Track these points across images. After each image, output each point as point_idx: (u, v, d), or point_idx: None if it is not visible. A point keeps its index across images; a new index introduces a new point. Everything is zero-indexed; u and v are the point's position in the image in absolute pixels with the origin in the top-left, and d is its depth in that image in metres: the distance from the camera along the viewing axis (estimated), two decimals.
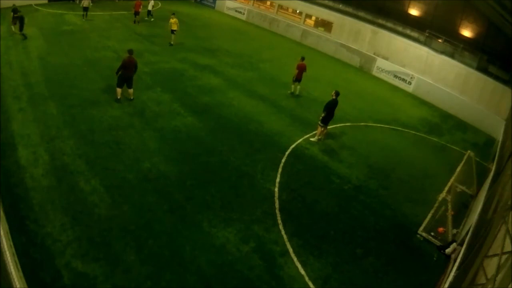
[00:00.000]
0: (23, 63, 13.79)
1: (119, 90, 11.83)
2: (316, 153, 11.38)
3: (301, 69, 14.92)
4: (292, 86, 15.49)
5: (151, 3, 23.74)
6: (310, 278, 6.87)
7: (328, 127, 12.19)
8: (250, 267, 6.86)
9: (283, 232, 7.84)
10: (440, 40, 20.04)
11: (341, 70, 21.47)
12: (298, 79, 15.05)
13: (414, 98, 19.22)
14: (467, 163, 10.82)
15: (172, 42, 19.24)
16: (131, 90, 12.11)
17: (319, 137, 12.01)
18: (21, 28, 16.35)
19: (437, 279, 7.34)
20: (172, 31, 19.09)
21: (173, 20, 18.99)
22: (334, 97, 11.65)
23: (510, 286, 3.87)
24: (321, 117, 11.73)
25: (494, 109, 16.85)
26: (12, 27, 16.74)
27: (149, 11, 23.49)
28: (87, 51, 16.06)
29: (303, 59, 15.07)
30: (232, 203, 8.45)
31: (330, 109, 11.62)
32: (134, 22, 22.09)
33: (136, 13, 21.96)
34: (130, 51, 11.84)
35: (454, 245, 7.89)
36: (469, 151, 11.26)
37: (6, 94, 11.23)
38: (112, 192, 7.98)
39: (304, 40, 25.29)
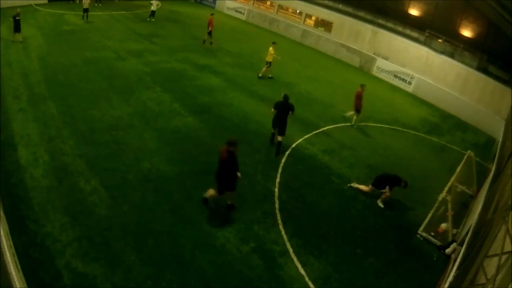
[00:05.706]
0: (23, 63, 13.80)
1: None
2: (316, 153, 11.38)
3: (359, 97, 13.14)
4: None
5: (156, 3, 23.43)
6: (310, 278, 6.86)
7: (328, 126, 12.10)
8: (250, 267, 6.86)
9: (283, 232, 7.84)
10: (440, 40, 20.03)
11: (341, 70, 21.45)
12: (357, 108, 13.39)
13: (414, 98, 19.20)
14: (467, 163, 10.81)
15: (260, 75, 16.54)
16: None
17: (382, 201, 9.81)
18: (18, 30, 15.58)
19: (437, 279, 7.34)
20: (268, 63, 16.37)
21: (272, 51, 16.07)
22: (403, 186, 9.43)
23: (510, 286, 3.87)
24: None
25: (494, 109, 16.83)
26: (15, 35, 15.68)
27: (153, 12, 23.25)
28: (87, 51, 16.06)
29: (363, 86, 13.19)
30: None
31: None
32: (211, 43, 19.88)
33: (209, 33, 19.81)
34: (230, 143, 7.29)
35: (454, 245, 7.89)
36: (469, 151, 11.25)
37: (6, 94, 11.24)
38: (112, 192, 7.98)
39: (304, 40, 25.29)
